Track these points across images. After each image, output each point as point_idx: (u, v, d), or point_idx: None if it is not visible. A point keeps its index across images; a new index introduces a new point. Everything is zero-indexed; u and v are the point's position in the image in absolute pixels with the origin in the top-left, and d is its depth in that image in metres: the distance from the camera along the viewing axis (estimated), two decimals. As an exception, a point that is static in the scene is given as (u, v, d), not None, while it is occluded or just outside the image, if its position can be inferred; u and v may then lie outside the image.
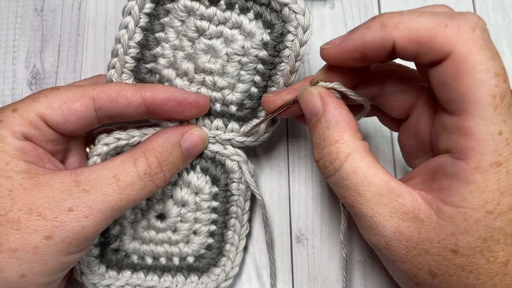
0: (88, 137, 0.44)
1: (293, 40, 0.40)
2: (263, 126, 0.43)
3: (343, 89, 0.37)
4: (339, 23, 0.54)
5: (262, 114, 0.43)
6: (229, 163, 0.44)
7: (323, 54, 0.36)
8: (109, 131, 0.42)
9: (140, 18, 0.41)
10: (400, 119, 0.41)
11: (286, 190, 0.50)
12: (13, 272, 0.34)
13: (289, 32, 0.40)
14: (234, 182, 0.44)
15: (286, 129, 0.51)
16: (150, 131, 0.42)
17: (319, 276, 0.48)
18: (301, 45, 0.40)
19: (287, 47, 0.40)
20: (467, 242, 0.31)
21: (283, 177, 0.50)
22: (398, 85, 0.39)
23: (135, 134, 0.42)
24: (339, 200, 0.39)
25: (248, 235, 0.48)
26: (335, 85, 0.37)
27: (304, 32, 0.39)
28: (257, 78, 0.42)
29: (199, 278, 0.45)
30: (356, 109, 0.40)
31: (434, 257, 0.33)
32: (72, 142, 0.42)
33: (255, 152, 0.51)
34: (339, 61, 0.35)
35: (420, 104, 0.38)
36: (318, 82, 0.38)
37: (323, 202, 0.50)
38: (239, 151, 0.44)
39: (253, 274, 0.48)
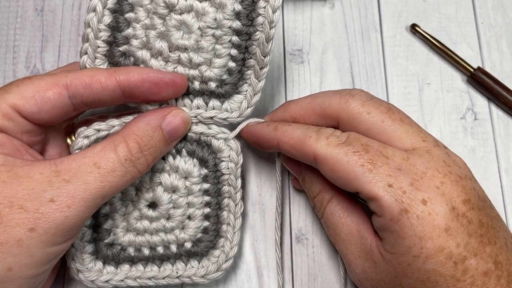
0: (68, 128, 0.44)
1: (265, 6, 0.39)
2: (244, 101, 0.42)
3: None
4: (339, 23, 0.55)
5: (243, 88, 0.42)
6: (215, 142, 0.42)
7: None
8: (89, 122, 0.41)
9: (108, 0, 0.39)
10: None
11: (286, 190, 0.49)
12: None
13: None
14: (223, 161, 0.43)
15: None
16: (129, 119, 0.41)
17: (319, 276, 0.47)
18: (273, 11, 0.39)
19: (260, 14, 0.39)
20: (409, 283, 0.35)
21: (283, 177, 0.49)
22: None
23: (115, 124, 0.41)
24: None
25: (249, 236, 0.48)
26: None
27: None
28: (234, 51, 0.40)
29: (199, 263, 0.44)
30: None
31: None
32: (52, 133, 0.42)
33: (255, 152, 0.50)
34: (245, 137, 0.44)
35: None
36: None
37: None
38: (223, 129, 0.42)
39: (253, 274, 0.47)
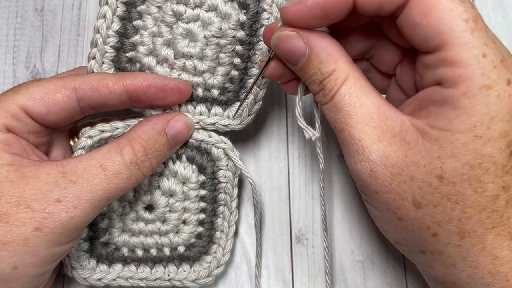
0: (71, 130, 0.44)
1: (269, 18, 0.40)
2: (246, 109, 0.43)
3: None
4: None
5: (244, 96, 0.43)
6: (214, 150, 0.43)
7: (283, 13, 0.35)
8: (92, 124, 0.42)
9: (117, 7, 0.41)
10: (388, 76, 0.41)
11: (286, 190, 0.50)
12: (5, 265, 0.34)
13: (264, 10, 0.40)
14: (221, 169, 0.44)
15: (286, 129, 0.51)
16: (133, 122, 0.42)
17: (319, 276, 0.47)
18: None
19: (263, 25, 0.41)
20: (454, 167, 0.31)
21: (283, 177, 0.50)
22: (389, 40, 0.38)
23: (119, 126, 0.42)
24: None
25: (249, 236, 0.48)
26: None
27: (279, 10, 0.39)
28: (237, 60, 0.42)
29: (191, 267, 0.45)
30: None
31: (419, 183, 0.32)
32: (56, 135, 0.42)
33: (255, 152, 0.51)
34: (300, 19, 0.34)
35: (406, 61, 0.38)
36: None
37: (323, 202, 0.49)
38: (224, 138, 0.43)
39: (253, 274, 0.47)
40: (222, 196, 0.44)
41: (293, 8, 0.34)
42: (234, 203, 0.45)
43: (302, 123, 0.38)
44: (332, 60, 0.34)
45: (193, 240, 0.44)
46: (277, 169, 0.50)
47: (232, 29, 0.40)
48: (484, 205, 0.31)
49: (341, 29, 0.36)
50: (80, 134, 0.42)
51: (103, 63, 0.41)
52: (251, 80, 0.42)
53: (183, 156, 0.43)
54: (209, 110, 0.43)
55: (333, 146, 0.50)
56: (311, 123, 0.40)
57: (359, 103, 0.34)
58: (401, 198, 0.32)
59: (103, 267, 0.44)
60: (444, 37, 0.30)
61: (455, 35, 0.29)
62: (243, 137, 0.50)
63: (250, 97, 0.42)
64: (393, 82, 0.41)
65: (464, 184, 0.31)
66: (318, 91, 0.35)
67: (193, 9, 0.40)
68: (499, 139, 0.30)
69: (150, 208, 0.44)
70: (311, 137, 0.38)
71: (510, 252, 0.32)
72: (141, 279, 0.44)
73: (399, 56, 0.39)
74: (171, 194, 0.43)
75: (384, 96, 0.41)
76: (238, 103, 0.43)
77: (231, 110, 0.43)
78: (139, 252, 0.44)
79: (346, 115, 0.34)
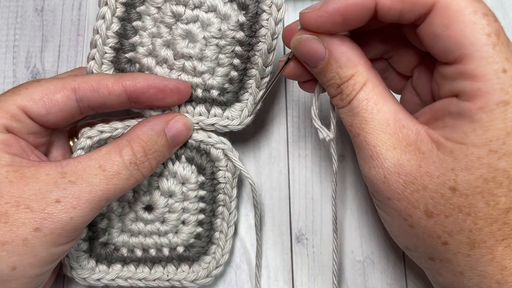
0: (71, 131, 0.44)
1: (268, 18, 0.40)
2: (245, 110, 0.43)
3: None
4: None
5: (244, 97, 0.43)
6: (214, 151, 0.43)
7: (303, 18, 0.35)
8: (92, 124, 0.42)
9: (117, 7, 0.41)
10: (405, 78, 0.41)
11: (286, 190, 0.50)
12: (4, 265, 0.34)
13: (264, 11, 0.40)
14: (220, 170, 0.44)
15: (286, 129, 0.51)
16: (133, 122, 0.42)
17: (319, 276, 0.47)
18: (276, 23, 0.40)
19: (262, 26, 0.40)
20: (467, 180, 0.31)
21: (283, 177, 0.50)
22: (409, 43, 0.38)
23: (118, 126, 0.42)
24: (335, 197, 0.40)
25: (249, 236, 0.48)
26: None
27: (278, 10, 0.40)
28: (236, 61, 0.42)
29: (190, 267, 0.45)
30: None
31: (432, 194, 0.32)
32: (55, 135, 0.42)
33: (255, 152, 0.51)
34: (320, 25, 0.34)
35: (423, 64, 0.38)
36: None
37: (323, 202, 0.49)
38: (223, 139, 0.43)
39: (253, 274, 0.47)
40: (221, 196, 0.44)
41: (313, 14, 0.34)
42: (233, 204, 0.45)
43: (317, 123, 0.38)
44: (351, 65, 0.34)
45: (192, 240, 0.45)
46: (277, 169, 0.50)
47: (232, 30, 0.40)
48: (496, 218, 0.31)
49: (361, 31, 0.36)
50: (79, 135, 0.42)
51: (102, 63, 0.41)
52: (251, 81, 0.42)
53: (183, 156, 0.43)
54: (208, 111, 0.43)
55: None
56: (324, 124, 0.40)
57: (376, 109, 0.34)
58: (413, 207, 0.33)
59: (102, 267, 0.44)
60: (464, 50, 0.30)
61: (476, 49, 0.29)
62: (243, 137, 0.50)
63: (250, 97, 0.43)
64: (409, 84, 0.41)
65: (477, 196, 0.31)
66: (336, 94, 0.36)
67: (192, 10, 0.40)
68: None
69: (149, 208, 0.44)
70: (325, 137, 0.38)
71: None
72: (140, 279, 0.44)
73: (417, 59, 0.39)
74: (170, 194, 0.43)
75: (399, 97, 0.41)
76: (237, 104, 0.43)
77: (231, 111, 0.43)
78: (138, 252, 0.44)
79: (363, 121, 0.34)
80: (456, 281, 0.34)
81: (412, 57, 0.39)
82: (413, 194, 0.32)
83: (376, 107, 0.34)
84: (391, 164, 0.33)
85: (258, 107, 0.43)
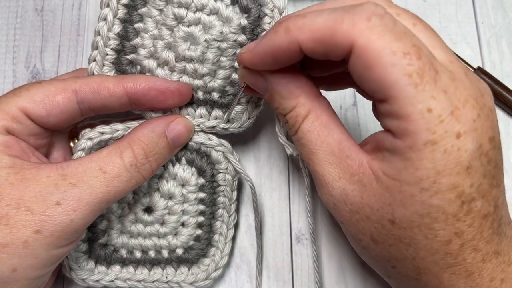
0: (72, 132, 0.44)
1: (270, 22, 0.40)
2: (246, 112, 0.43)
3: None
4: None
5: (244, 100, 0.43)
6: (214, 154, 0.43)
7: (239, 59, 0.36)
8: (92, 126, 0.42)
9: (118, 9, 0.41)
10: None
11: (286, 190, 0.50)
12: (4, 267, 0.34)
13: (266, 15, 0.40)
14: (220, 172, 0.44)
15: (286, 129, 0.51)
16: (133, 124, 0.42)
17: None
18: None
19: (264, 29, 0.40)
20: (404, 215, 0.31)
21: (283, 177, 0.50)
22: None
23: (119, 128, 0.42)
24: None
25: (249, 235, 0.48)
26: None
27: (281, 14, 0.40)
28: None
29: (189, 269, 0.45)
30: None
31: (374, 224, 0.32)
32: (56, 137, 0.42)
33: (255, 152, 0.51)
34: (255, 65, 0.35)
35: None
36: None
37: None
38: (223, 141, 0.44)
39: (253, 274, 0.47)
40: (221, 199, 0.44)
41: (247, 56, 0.35)
42: (233, 206, 0.45)
43: (282, 139, 0.39)
44: (292, 97, 0.35)
45: (191, 242, 0.45)
46: (277, 169, 0.50)
47: (233, 33, 0.40)
48: (437, 249, 0.31)
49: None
50: (80, 136, 0.42)
51: (103, 65, 0.41)
52: None
53: (183, 158, 0.43)
54: (209, 113, 0.43)
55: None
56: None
57: (320, 140, 0.34)
58: (361, 233, 0.34)
59: (102, 268, 0.44)
60: (387, 92, 0.29)
61: (398, 89, 0.29)
62: (243, 138, 0.50)
63: (251, 100, 0.43)
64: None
65: (415, 230, 0.31)
66: (285, 123, 0.37)
67: (194, 12, 0.40)
68: (448, 192, 0.30)
69: (149, 210, 0.44)
70: (292, 153, 0.39)
71: None
72: (139, 281, 0.44)
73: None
74: (170, 196, 0.44)
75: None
76: (238, 106, 0.43)
77: (232, 113, 0.43)
78: (138, 254, 0.44)
79: (309, 152, 0.35)
80: None
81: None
82: (359, 222, 0.33)
83: (320, 138, 0.34)
84: (338, 193, 0.34)
85: (259, 109, 0.43)
